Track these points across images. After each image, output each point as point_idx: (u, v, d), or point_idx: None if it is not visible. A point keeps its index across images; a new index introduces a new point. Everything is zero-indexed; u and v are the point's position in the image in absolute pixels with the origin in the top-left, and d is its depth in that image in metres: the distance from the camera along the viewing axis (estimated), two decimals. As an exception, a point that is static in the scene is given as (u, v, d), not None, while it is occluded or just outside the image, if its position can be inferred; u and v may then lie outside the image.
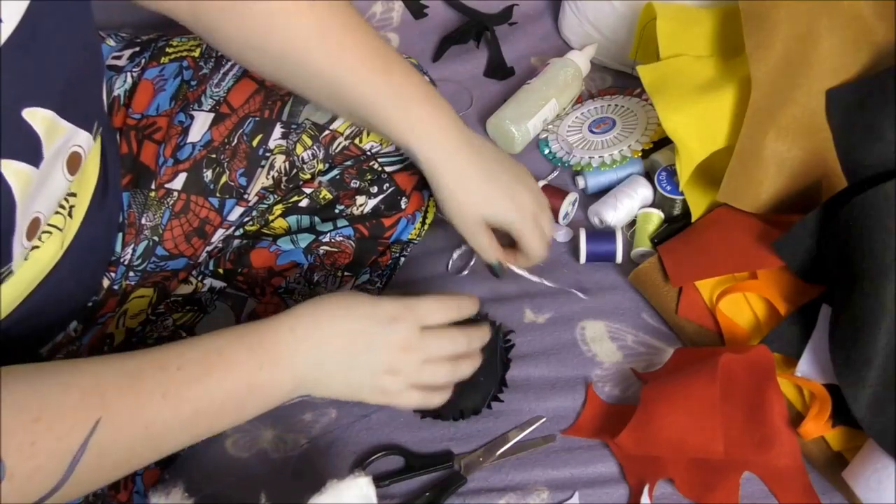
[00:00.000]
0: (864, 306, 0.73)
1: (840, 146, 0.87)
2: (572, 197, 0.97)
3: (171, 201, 0.80)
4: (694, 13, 0.98)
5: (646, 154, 0.98)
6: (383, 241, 0.87)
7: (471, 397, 0.83)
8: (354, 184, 0.86)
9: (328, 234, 0.84)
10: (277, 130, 0.82)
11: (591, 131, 1.03)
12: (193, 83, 0.84)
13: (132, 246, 0.79)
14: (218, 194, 0.82)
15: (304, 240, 0.84)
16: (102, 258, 0.78)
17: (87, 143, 0.64)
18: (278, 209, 0.85)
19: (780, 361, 0.82)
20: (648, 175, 0.98)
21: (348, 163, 0.85)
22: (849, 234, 0.76)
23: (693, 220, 0.91)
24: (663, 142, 0.98)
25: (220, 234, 0.83)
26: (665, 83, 0.93)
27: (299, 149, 0.82)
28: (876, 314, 0.72)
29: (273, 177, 0.83)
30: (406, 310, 0.65)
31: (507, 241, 0.84)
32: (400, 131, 0.73)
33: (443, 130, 0.74)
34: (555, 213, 0.96)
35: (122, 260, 0.79)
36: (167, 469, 0.82)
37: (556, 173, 1.02)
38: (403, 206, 0.87)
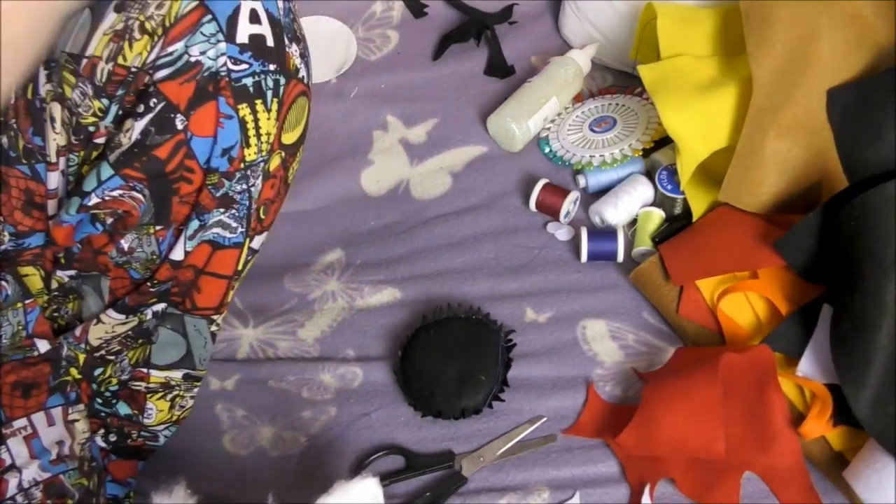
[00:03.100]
0: (865, 306, 0.73)
1: (841, 146, 0.87)
2: (574, 195, 0.97)
3: None
4: (694, 13, 0.98)
5: (647, 153, 0.98)
6: (177, 177, 0.69)
7: (471, 396, 0.83)
8: None
9: (94, 194, 0.69)
10: (42, 74, 0.69)
11: (592, 130, 1.02)
12: None
13: None
14: (24, 161, 0.71)
15: (73, 205, 0.71)
16: None
17: None
18: (85, 169, 0.72)
19: (781, 361, 0.82)
20: (649, 174, 0.98)
21: (121, 91, 0.68)
22: (850, 233, 0.76)
23: (694, 219, 0.91)
24: (664, 141, 0.98)
25: (54, 205, 0.74)
26: (666, 83, 0.93)
27: (66, 90, 0.68)
28: (877, 314, 0.72)
29: (63, 130, 0.70)
30: None
31: None
32: None
33: None
34: (556, 211, 0.96)
35: None
36: (144, 459, 0.82)
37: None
38: (180, 127, 0.67)
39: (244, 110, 0.67)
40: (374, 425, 0.85)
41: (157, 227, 0.71)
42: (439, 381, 0.84)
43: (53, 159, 0.70)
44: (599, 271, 0.93)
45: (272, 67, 0.67)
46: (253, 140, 0.68)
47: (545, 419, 0.84)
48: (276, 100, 0.68)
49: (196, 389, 0.81)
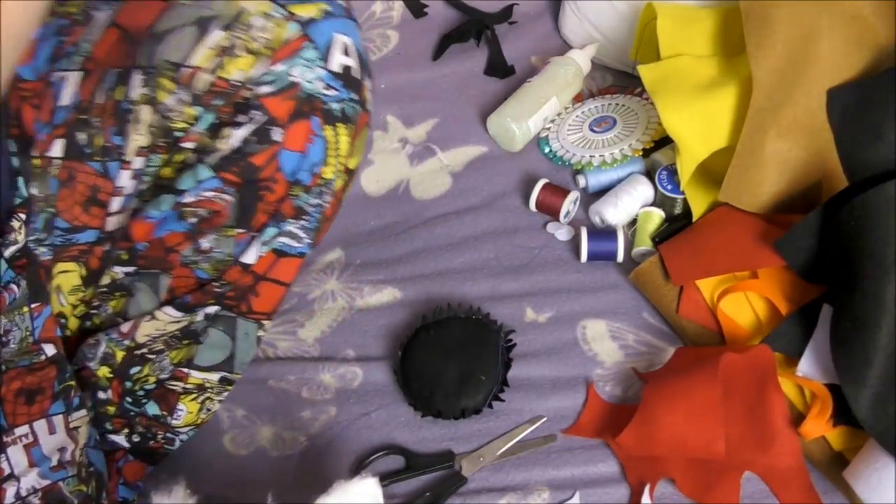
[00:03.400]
0: (865, 306, 0.73)
1: (841, 146, 0.87)
2: (574, 195, 0.97)
3: (55, 171, 0.75)
4: (694, 13, 0.98)
5: (646, 153, 0.98)
6: (265, 185, 0.74)
7: (471, 396, 0.83)
8: None
9: (189, 193, 0.74)
10: (137, 78, 0.73)
11: (592, 130, 1.02)
12: (64, 39, 0.76)
13: (35, 216, 0.75)
14: (97, 158, 0.75)
15: (166, 202, 0.75)
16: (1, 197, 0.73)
17: None
18: (167, 171, 0.76)
19: (781, 361, 0.82)
20: (649, 174, 0.98)
21: (219, 101, 0.72)
22: (850, 233, 0.76)
23: (694, 219, 0.91)
24: (664, 141, 0.98)
25: (118, 202, 0.77)
26: (666, 83, 0.93)
27: (161, 95, 0.72)
28: (877, 314, 0.72)
29: (149, 132, 0.74)
30: None
31: None
32: None
33: None
34: (556, 211, 0.96)
35: (29, 220, 0.75)
36: (155, 464, 0.82)
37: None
38: (278, 139, 0.72)
39: (329, 131, 0.74)
40: (374, 425, 0.85)
41: (238, 231, 0.75)
42: (439, 381, 0.84)
43: (129, 158, 0.74)
44: (599, 271, 0.93)
45: (353, 97, 0.74)
46: (332, 160, 0.75)
47: (545, 419, 0.84)
48: (352, 126, 0.75)
49: (226, 394, 0.82)
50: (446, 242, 0.97)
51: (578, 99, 1.08)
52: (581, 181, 1.00)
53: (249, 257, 0.76)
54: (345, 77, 0.73)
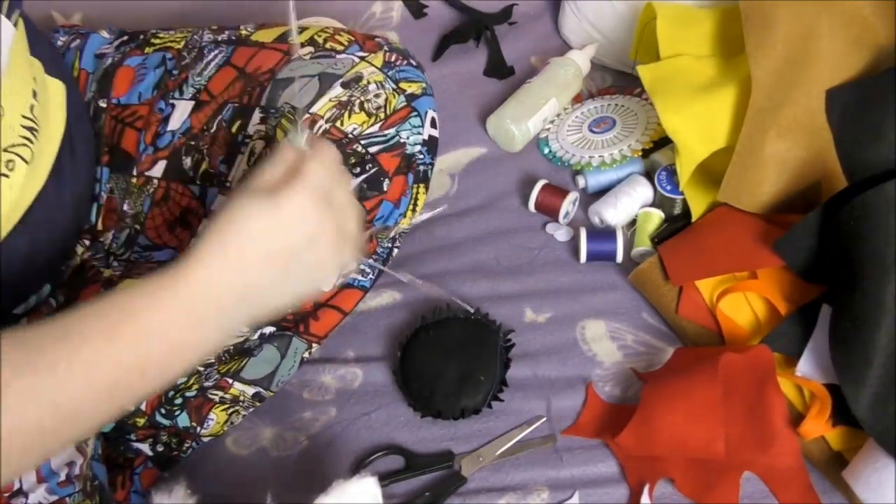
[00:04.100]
0: (865, 306, 0.73)
1: (840, 146, 0.87)
2: (573, 196, 0.97)
3: (152, 189, 0.80)
4: (694, 13, 0.98)
5: (646, 153, 0.98)
6: (366, 226, 0.81)
7: (471, 397, 0.83)
8: None
9: None
10: (256, 116, 0.81)
11: (592, 131, 1.03)
12: (175, 72, 0.84)
13: (113, 232, 0.79)
14: (198, 181, 0.81)
15: None
16: (73, 219, 0.77)
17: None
18: None
19: (780, 361, 0.82)
20: (649, 174, 0.98)
21: None
22: (849, 233, 0.76)
23: (693, 219, 0.91)
24: (663, 141, 0.98)
25: (204, 225, 0.82)
26: (665, 83, 0.93)
27: (279, 134, 0.81)
28: (876, 314, 0.72)
29: (253, 163, 0.81)
30: (308, 196, 0.56)
31: None
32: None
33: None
34: (555, 212, 0.97)
35: (101, 239, 0.79)
36: (168, 469, 0.82)
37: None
38: (385, 189, 0.83)
39: (416, 189, 0.86)
40: (373, 425, 0.85)
41: None
42: (439, 381, 0.84)
43: (231, 185, 0.81)
44: (599, 272, 0.93)
45: (432, 162, 0.87)
46: (409, 212, 0.86)
47: (545, 419, 0.84)
48: (426, 187, 0.88)
49: (252, 410, 0.83)
50: (446, 243, 0.97)
51: (578, 99, 1.08)
52: (580, 182, 1.00)
53: (327, 286, 0.79)
54: (431, 144, 0.86)
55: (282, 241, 0.55)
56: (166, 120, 0.82)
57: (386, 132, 0.82)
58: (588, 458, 0.81)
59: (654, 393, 0.80)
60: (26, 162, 0.66)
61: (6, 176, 0.65)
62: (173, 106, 0.82)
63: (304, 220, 0.56)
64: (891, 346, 0.72)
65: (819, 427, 0.77)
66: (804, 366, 0.79)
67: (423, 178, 0.86)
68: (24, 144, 0.66)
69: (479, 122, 1.08)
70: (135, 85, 0.83)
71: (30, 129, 0.67)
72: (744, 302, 0.86)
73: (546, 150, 1.04)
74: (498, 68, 1.13)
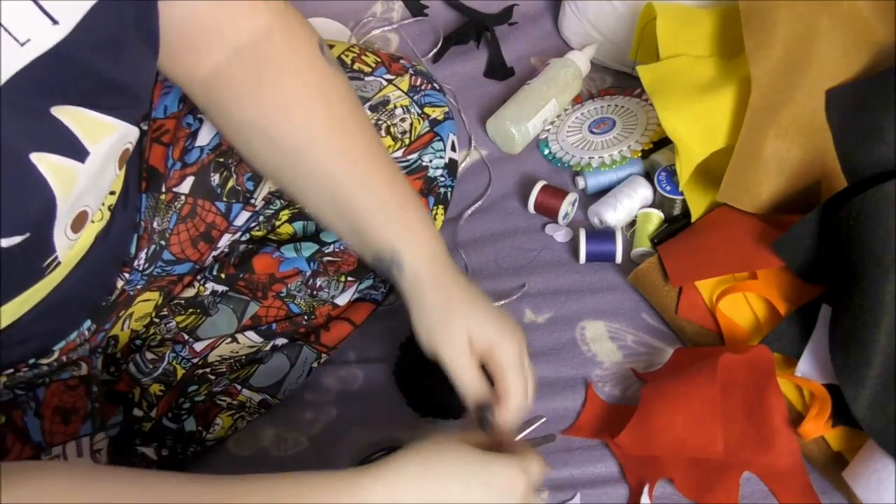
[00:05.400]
0: (864, 306, 0.73)
1: (840, 146, 0.87)
2: (572, 197, 0.97)
3: (179, 205, 0.80)
4: (694, 13, 0.98)
5: (646, 154, 0.98)
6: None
7: (471, 397, 0.83)
8: None
9: (332, 245, 0.83)
10: None
11: (591, 131, 1.03)
12: None
13: (144, 251, 0.79)
14: (225, 199, 0.81)
15: (308, 249, 0.83)
16: (118, 257, 0.77)
17: (135, 139, 0.64)
18: (285, 214, 0.84)
19: (780, 361, 0.82)
20: (648, 175, 0.98)
21: None
22: (849, 234, 0.76)
23: (693, 220, 0.91)
24: (663, 142, 0.98)
25: (226, 240, 0.83)
26: (665, 83, 0.93)
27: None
28: (876, 314, 0.72)
29: None
30: (520, 476, 0.59)
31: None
32: (392, 242, 0.70)
33: (433, 254, 0.72)
34: (555, 213, 0.97)
35: (136, 264, 0.79)
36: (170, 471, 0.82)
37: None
38: None
39: (436, 210, 0.88)
40: (373, 426, 0.85)
41: (350, 279, 0.84)
42: (439, 381, 0.84)
43: (255, 202, 0.82)
44: (598, 272, 0.94)
45: (452, 184, 0.90)
46: None
47: (545, 419, 0.83)
48: (445, 209, 0.90)
49: (257, 416, 0.84)
50: (446, 244, 0.97)
51: (578, 100, 1.09)
52: (580, 182, 1.00)
53: (343, 299, 0.85)
54: (451, 167, 0.89)
55: (473, 494, 0.57)
56: (194, 135, 0.80)
57: (409, 157, 0.85)
58: (588, 458, 0.81)
59: (654, 393, 0.80)
60: (93, 223, 0.65)
61: (92, 222, 0.64)
62: (201, 120, 0.80)
63: (511, 492, 0.58)
64: (890, 347, 0.72)
65: (819, 427, 0.77)
66: (804, 366, 0.79)
67: (444, 200, 0.88)
68: (112, 192, 0.66)
69: (479, 124, 1.08)
70: (161, 98, 0.81)
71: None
72: (743, 302, 0.86)
73: (546, 152, 1.04)
74: (498, 69, 1.13)
